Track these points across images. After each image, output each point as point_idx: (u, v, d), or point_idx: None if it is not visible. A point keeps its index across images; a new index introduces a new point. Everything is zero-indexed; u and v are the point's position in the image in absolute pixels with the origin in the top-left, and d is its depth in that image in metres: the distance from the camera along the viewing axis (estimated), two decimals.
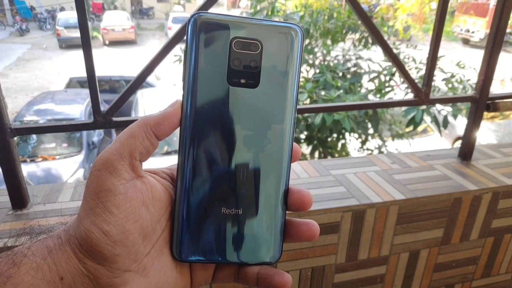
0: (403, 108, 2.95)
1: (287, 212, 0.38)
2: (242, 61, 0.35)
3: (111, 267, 0.33)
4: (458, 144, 2.76)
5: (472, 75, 3.19)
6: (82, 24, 0.92)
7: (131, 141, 0.34)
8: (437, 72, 2.69)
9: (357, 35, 3.61)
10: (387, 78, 3.28)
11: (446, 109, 3.12)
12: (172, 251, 0.37)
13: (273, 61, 0.36)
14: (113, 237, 0.32)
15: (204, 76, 0.35)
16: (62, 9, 20.55)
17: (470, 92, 3.09)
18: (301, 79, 3.46)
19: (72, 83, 7.80)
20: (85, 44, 0.93)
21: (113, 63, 11.41)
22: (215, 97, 0.35)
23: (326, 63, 3.50)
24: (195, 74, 0.35)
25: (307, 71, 3.63)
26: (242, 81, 0.35)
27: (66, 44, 14.83)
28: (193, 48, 0.35)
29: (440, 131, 3.14)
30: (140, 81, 1.03)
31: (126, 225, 0.33)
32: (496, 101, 1.35)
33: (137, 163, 0.35)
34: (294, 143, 0.38)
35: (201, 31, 0.35)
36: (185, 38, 0.36)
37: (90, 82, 0.97)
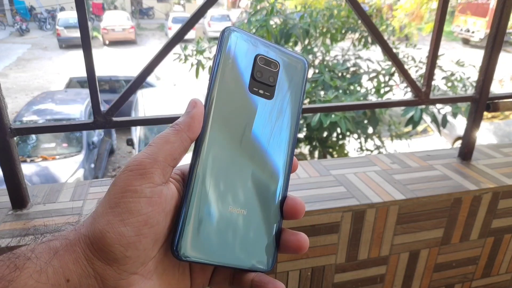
0: (402, 108, 2.95)
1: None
2: (263, 74, 0.40)
3: (119, 268, 0.32)
4: (458, 144, 2.76)
5: (471, 73, 3.18)
6: (82, 24, 0.92)
7: (167, 146, 0.35)
8: (436, 71, 2.69)
9: (357, 35, 3.61)
10: (386, 78, 3.27)
11: (445, 108, 3.12)
12: (172, 249, 0.36)
13: (286, 81, 0.41)
14: (128, 238, 0.32)
15: (228, 81, 0.38)
16: (62, 9, 20.52)
17: (470, 91, 3.11)
18: None
19: (72, 83, 7.80)
20: (85, 44, 0.94)
21: (113, 63, 11.40)
22: (235, 101, 0.39)
23: (325, 63, 3.49)
24: (220, 79, 0.38)
25: None
26: (261, 91, 0.40)
27: (66, 44, 14.82)
28: (222, 56, 0.38)
29: (439, 130, 3.13)
30: (140, 81, 1.03)
31: (142, 229, 0.32)
32: (496, 101, 1.35)
33: (169, 169, 0.35)
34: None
35: (232, 43, 0.39)
36: (216, 47, 0.40)
37: (90, 82, 0.97)
